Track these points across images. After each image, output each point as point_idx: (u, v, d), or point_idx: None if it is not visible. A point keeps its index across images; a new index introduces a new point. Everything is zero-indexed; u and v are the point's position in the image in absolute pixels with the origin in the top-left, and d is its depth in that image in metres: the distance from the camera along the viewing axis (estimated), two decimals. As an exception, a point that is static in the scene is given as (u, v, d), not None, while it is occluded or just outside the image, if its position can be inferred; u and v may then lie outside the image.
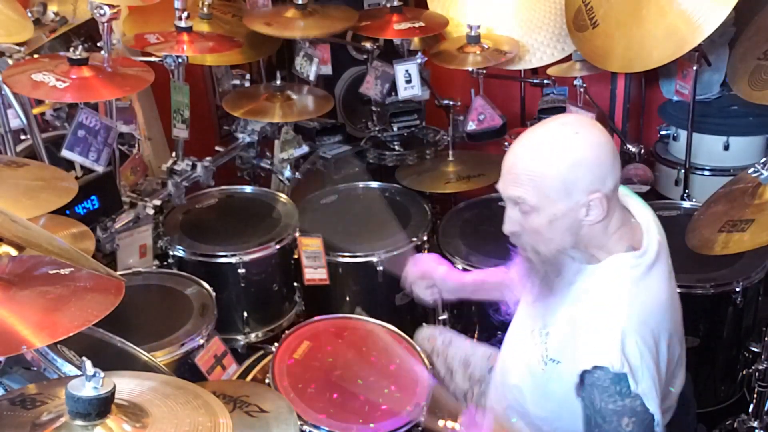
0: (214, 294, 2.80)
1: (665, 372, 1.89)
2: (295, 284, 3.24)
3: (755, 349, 2.89)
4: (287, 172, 3.55)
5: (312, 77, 3.59)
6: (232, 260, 3.04)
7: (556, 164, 1.79)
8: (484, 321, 3.12)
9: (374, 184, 3.67)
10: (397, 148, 3.79)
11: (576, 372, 1.82)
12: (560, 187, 1.80)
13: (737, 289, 2.82)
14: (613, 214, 1.86)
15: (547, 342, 1.93)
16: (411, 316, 3.31)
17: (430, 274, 2.50)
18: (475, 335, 3.18)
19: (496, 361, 2.19)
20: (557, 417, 1.96)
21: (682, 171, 3.52)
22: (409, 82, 3.58)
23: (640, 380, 1.78)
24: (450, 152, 3.69)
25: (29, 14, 3.01)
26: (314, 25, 3.38)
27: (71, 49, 2.64)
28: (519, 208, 1.86)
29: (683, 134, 3.52)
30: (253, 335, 3.14)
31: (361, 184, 3.68)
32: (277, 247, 3.11)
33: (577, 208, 1.81)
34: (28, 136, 2.90)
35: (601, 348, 1.78)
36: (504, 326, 2.18)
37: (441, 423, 2.42)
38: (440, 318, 3.30)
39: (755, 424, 2.80)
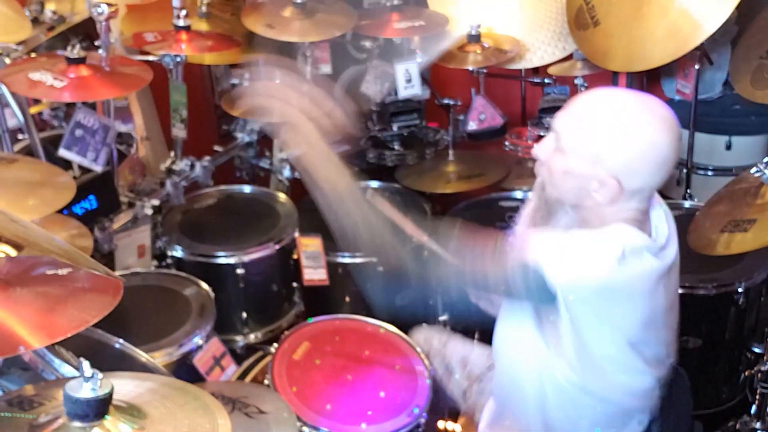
0: (212, 294, 2.79)
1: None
2: (295, 285, 3.22)
3: (758, 350, 2.88)
4: (286, 172, 3.53)
5: (307, 76, 3.57)
6: (231, 260, 3.02)
7: (607, 132, 1.78)
8: (484, 323, 3.11)
9: (374, 183, 3.66)
10: (397, 147, 3.77)
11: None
12: (593, 150, 1.79)
13: (739, 290, 2.81)
14: (623, 209, 1.83)
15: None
16: (411, 316, 3.29)
17: None
18: (475, 336, 3.17)
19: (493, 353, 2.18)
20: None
21: (684, 170, 3.50)
22: (409, 81, 3.56)
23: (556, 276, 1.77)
24: (450, 152, 3.68)
25: (27, 13, 3.00)
26: (314, 27, 3.36)
27: (69, 48, 2.62)
28: (555, 138, 1.86)
29: (685, 133, 3.50)
30: (252, 336, 3.12)
31: (360, 184, 3.66)
32: (277, 247, 3.10)
33: (591, 178, 1.80)
34: (26, 136, 2.89)
35: (553, 253, 1.78)
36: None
37: (441, 424, 2.42)
38: (440, 318, 3.29)
39: (758, 425, 2.79)
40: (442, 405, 2.41)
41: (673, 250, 1.92)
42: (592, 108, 1.83)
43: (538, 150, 1.90)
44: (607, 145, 1.77)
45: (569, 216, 1.94)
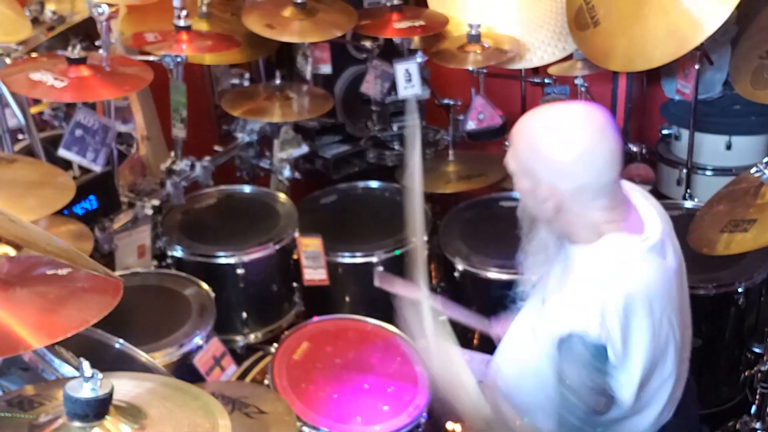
0: (213, 294, 2.79)
1: (647, 360, 1.87)
2: (295, 285, 3.23)
3: (758, 350, 2.88)
4: (286, 172, 3.53)
5: (308, 76, 3.58)
6: (231, 261, 3.02)
7: (525, 146, 1.87)
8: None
9: (374, 183, 3.66)
10: (396, 147, 3.77)
11: (551, 340, 1.82)
12: (526, 168, 1.88)
13: (739, 290, 2.82)
14: (588, 210, 1.86)
15: (539, 319, 1.94)
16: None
17: None
18: (475, 336, 3.17)
19: (494, 358, 2.18)
20: (532, 396, 1.96)
21: (684, 171, 3.50)
22: (409, 81, 3.56)
23: (617, 352, 1.78)
24: (450, 152, 3.68)
25: (27, 13, 3.00)
26: (314, 27, 3.36)
27: (69, 48, 2.62)
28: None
29: (685, 134, 3.51)
30: (252, 336, 3.12)
31: (360, 184, 3.67)
32: (277, 247, 3.10)
33: (536, 192, 1.87)
34: (26, 136, 2.89)
35: (580, 315, 1.79)
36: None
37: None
38: (440, 319, 3.28)
39: (757, 425, 2.79)
40: (441, 409, 2.40)
41: (669, 244, 1.94)
42: (515, 130, 1.92)
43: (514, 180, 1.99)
44: (529, 157, 1.86)
45: (545, 230, 1.98)
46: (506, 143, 3.60)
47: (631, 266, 1.84)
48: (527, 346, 1.97)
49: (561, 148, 1.81)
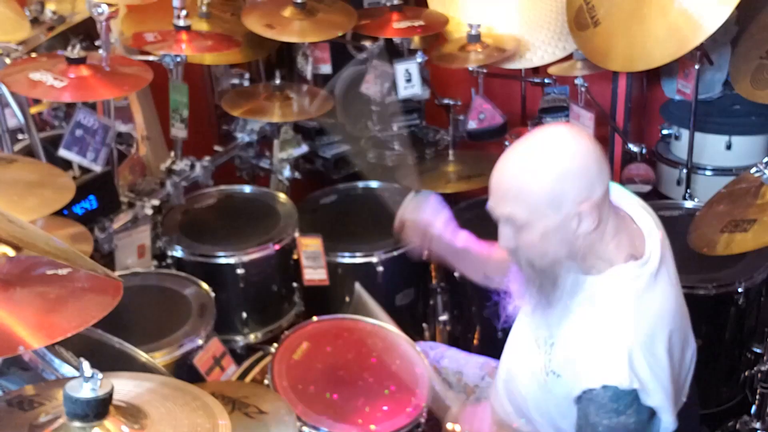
0: (213, 294, 2.79)
1: (679, 378, 1.88)
2: (295, 285, 3.22)
3: (758, 350, 2.88)
4: (286, 172, 3.53)
5: (308, 76, 3.58)
6: (231, 261, 3.02)
7: (542, 178, 1.77)
8: (484, 323, 3.12)
9: (374, 183, 3.66)
10: (397, 147, 3.77)
11: (580, 388, 1.81)
12: (548, 201, 1.78)
13: (739, 290, 2.81)
14: (608, 220, 1.84)
15: (552, 354, 1.91)
16: (411, 316, 3.29)
17: (429, 225, 2.45)
18: (476, 336, 3.17)
19: (500, 366, 2.17)
20: (557, 422, 1.95)
21: (684, 171, 3.50)
22: (409, 81, 3.56)
23: (651, 393, 1.77)
24: (450, 152, 3.68)
25: (27, 13, 3.00)
26: (314, 27, 3.37)
27: (69, 48, 2.62)
28: (510, 224, 1.84)
29: (685, 134, 3.51)
30: (252, 336, 3.12)
31: (360, 184, 3.67)
32: (277, 247, 3.10)
33: (568, 219, 1.79)
34: (26, 136, 2.89)
35: (609, 367, 1.77)
36: (504, 329, 2.16)
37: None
38: (440, 319, 3.29)
39: (757, 425, 2.79)
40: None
41: (668, 248, 1.94)
42: (510, 176, 1.83)
43: (504, 244, 1.88)
44: (552, 186, 1.77)
45: (571, 273, 1.89)
46: (506, 143, 3.62)
47: (645, 301, 1.82)
48: (532, 357, 1.97)
49: (580, 159, 1.78)
